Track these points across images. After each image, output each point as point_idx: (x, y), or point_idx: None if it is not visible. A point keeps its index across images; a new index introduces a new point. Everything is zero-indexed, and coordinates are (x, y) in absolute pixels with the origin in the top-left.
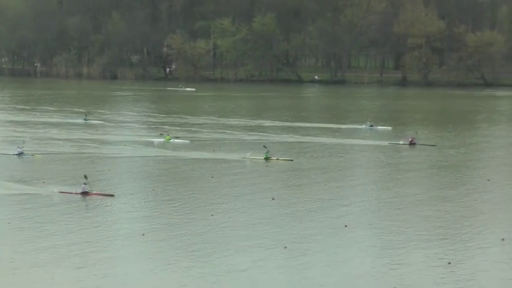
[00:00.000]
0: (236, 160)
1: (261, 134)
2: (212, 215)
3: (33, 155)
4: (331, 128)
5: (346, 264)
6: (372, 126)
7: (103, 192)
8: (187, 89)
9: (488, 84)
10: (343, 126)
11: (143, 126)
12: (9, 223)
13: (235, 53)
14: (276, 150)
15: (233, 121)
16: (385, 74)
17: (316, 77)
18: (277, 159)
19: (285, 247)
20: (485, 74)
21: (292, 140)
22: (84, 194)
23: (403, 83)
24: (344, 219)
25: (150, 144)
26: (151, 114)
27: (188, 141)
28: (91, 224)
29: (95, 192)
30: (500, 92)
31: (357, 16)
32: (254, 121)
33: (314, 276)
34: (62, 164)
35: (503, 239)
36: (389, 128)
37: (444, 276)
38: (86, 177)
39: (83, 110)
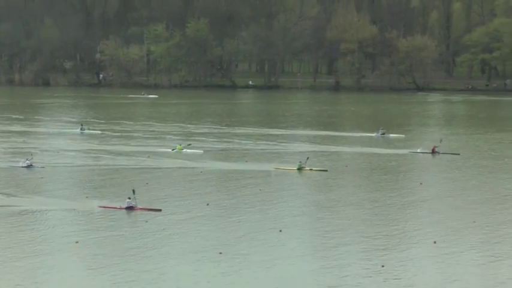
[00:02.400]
0: (264, 171)
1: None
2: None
3: (43, 167)
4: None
5: (279, 265)
6: (383, 134)
7: (150, 207)
8: (150, 96)
9: (419, 89)
10: (357, 135)
11: (147, 136)
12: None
13: (169, 58)
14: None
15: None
16: (318, 79)
17: (250, 83)
18: (311, 169)
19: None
20: (416, 79)
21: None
22: (129, 208)
23: (336, 88)
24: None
25: (166, 154)
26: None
27: (201, 151)
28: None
29: (140, 207)
30: (431, 97)
31: (290, 21)
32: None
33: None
34: (79, 177)
35: (435, 242)
36: (403, 136)
37: (377, 279)
38: (134, 192)
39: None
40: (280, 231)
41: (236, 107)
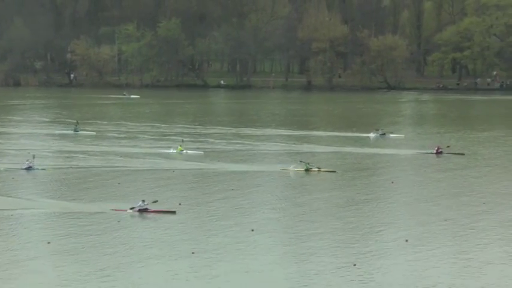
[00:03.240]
0: (276, 172)
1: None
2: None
3: (44, 169)
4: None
5: (249, 263)
6: (383, 134)
7: (163, 209)
8: (132, 96)
9: (391, 88)
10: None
11: (144, 136)
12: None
13: (140, 58)
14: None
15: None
16: (290, 78)
17: (222, 82)
18: (319, 170)
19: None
20: (388, 78)
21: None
22: (142, 211)
23: (308, 87)
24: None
25: (166, 155)
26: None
27: (202, 152)
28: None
29: (153, 209)
30: (403, 96)
31: (262, 21)
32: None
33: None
34: (83, 179)
35: (407, 240)
36: (402, 136)
37: (349, 277)
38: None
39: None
40: (252, 230)
41: (210, 106)
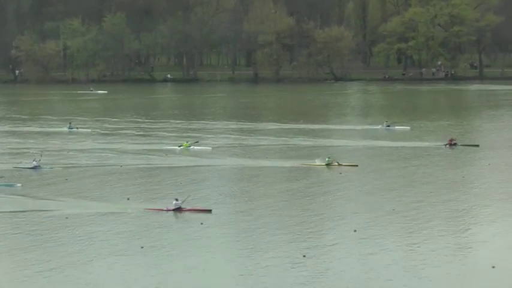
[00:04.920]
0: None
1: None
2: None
3: (52, 167)
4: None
5: (197, 257)
6: (389, 126)
7: (199, 208)
8: (99, 91)
9: (337, 79)
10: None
11: (143, 133)
12: (142, 247)
13: (86, 53)
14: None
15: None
16: (237, 71)
17: (168, 76)
18: (340, 164)
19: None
20: (334, 69)
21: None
22: (177, 210)
23: (255, 79)
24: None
25: (171, 152)
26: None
27: (210, 148)
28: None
29: (188, 208)
30: (349, 87)
31: (207, 14)
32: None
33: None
34: (98, 177)
35: (355, 230)
36: (408, 127)
37: (298, 269)
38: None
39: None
40: (202, 223)
41: (158, 100)
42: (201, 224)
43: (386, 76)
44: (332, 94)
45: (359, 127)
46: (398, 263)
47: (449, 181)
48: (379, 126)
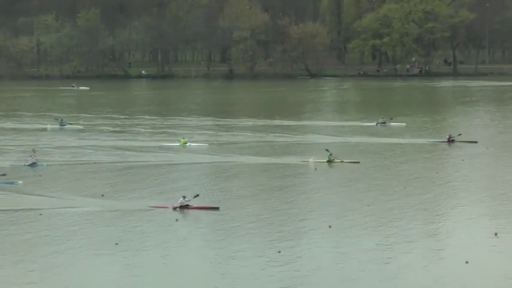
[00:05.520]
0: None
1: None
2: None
3: (49, 165)
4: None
5: (181, 258)
6: (384, 123)
7: (206, 206)
8: (81, 88)
9: (312, 75)
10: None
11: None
12: (117, 243)
13: (60, 49)
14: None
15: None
16: (212, 67)
17: (143, 72)
18: (342, 161)
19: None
20: (309, 65)
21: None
22: (183, 207)
23: (230, 76)
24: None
25: (168, 148)
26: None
27: (206, 145)
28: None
29: (195, 205)
30: (324, 83)
31: (182, 10)
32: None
33: None
34: (99, 174)
35: (330, 226)
36: (404, 124)
37: (273, 264)
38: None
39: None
40: (177, 220)
41: (133, 96)
42: (176, 220)
43: (361, 72)
44: (308, 90)
45: (349, 123)
46: (373, 258)
47: (431, 178)
48: (374, 123)
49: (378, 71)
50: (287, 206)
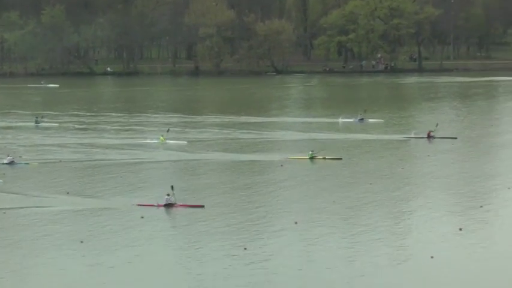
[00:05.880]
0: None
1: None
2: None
3: (27, 163)
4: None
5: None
6: (362, 119)
7: (191, 204)
8: (50, 85)
9: (278, 72)
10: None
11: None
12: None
13: (24, 46)
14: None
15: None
16: (178, 64)
17: (108, 69)
18: (324, 158)
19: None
20: (275, 62)
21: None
22: (168, 205)
23: (196, 72)
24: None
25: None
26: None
27: (185, 142)
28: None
29: (181, 203)
30: (290, 79)
31: (148, 7)
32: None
33: None
34: (78, 172)
35: (296, 222)
36: (382, 120)
37: (239, 261)
38: (172, 188)
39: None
40: (142, 217)
41: (100, 94)
42: (142, 217)
43: (327, 69)
44: (274, 87)
45: (317, 120)
46: (338, 254)
47: (398, 174)
48: (352, 119)
49: (344, 67)
50: (255, 203)
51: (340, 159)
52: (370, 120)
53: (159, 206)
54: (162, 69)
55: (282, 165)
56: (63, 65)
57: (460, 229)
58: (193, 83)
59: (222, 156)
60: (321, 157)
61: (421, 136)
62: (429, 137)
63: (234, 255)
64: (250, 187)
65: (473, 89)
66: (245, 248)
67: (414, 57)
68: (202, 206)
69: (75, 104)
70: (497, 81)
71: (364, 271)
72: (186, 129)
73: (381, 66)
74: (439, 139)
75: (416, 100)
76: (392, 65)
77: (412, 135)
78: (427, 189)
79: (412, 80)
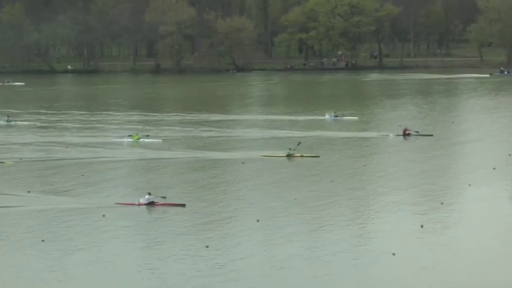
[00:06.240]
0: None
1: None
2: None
3: (2, 161)
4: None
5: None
6: (336, 116)
7: (172, 202)
8: (16, 83)
9: (239, 69)
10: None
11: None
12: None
13: None
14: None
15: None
16: (138, 62)
17: (69, 67)
18: (302, 156)
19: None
20: (236, 60)
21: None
22: (150, 204)
23: (157, 70)
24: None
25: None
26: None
27: (160, 140)
28: None
29: (161, 202)
30: (251, 77)
31: (108, 5)
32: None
33: None
34: (58, 170)
35: (258, 220)
36: (356, 118)
37: (200, 259)
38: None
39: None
40: (104, 215)
41: (59, 92)
42: (103, 216)
43: (288, 66)
44: (236, 85)
45: (279, 117)
46: (300, 252)
47: (360, 171)
48: (326, 117)
49: (305, 64)
50: (219, 202)
51: (318, 157)
52: (345, 118)
53: (140, 205)
54: (123, 67)
55: (243, 163)
56: (24, 63)
57: (422, 226)
58: (154, 81)
59: (184, 154)
60: (299, 155)
61: (396, 134)
62: (405, 134)
63: (196, 254)
64: (209, 184)
65: (434, 86)
66: (207, 246)
67: (375, 54)
68: (184, 205)
69: (36, 102)
70: (457, 78)
71: (325, 268)
72: (148, 127)
73: (342, 64)
74: (414, 136)
75: (378, 97)
76: (353, 62)
77: (390, 135)
78: (390, 186)
79: (373, 77)
